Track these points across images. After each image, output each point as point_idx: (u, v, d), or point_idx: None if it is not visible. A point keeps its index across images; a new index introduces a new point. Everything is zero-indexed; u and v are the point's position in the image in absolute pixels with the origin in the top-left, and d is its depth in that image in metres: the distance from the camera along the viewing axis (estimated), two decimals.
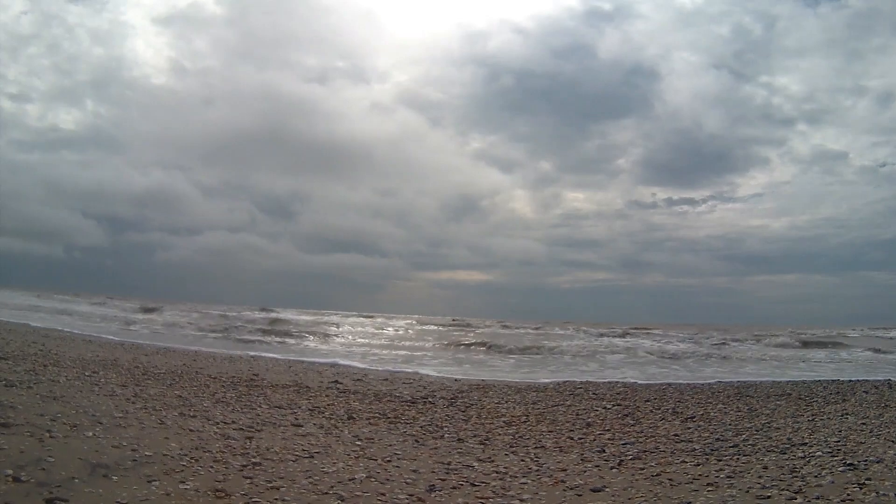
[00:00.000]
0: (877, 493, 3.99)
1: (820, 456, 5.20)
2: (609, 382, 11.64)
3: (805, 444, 5.81)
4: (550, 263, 79.12)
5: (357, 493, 4.11)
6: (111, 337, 16.82)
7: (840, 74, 65.56)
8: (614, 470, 5.11)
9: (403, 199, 77.13)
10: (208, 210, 72.96)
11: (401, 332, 29.18)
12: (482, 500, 4.19)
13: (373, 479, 4.48)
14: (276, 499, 3.84)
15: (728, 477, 4.68)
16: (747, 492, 4.24)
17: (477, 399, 8.93)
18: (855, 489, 4.09)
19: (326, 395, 8.51)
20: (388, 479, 4.52)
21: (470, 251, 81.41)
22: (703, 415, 7.80)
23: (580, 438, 6.44)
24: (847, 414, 7.59)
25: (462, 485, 4.52)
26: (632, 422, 7.39)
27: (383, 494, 4.15)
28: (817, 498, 3.99)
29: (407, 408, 7.96)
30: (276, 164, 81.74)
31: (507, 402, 8.81)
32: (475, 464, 5.22)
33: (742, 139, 69.34)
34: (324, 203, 79.35)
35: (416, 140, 76.55)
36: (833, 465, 4.78)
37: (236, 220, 73.06)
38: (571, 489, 4.52)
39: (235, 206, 76.53)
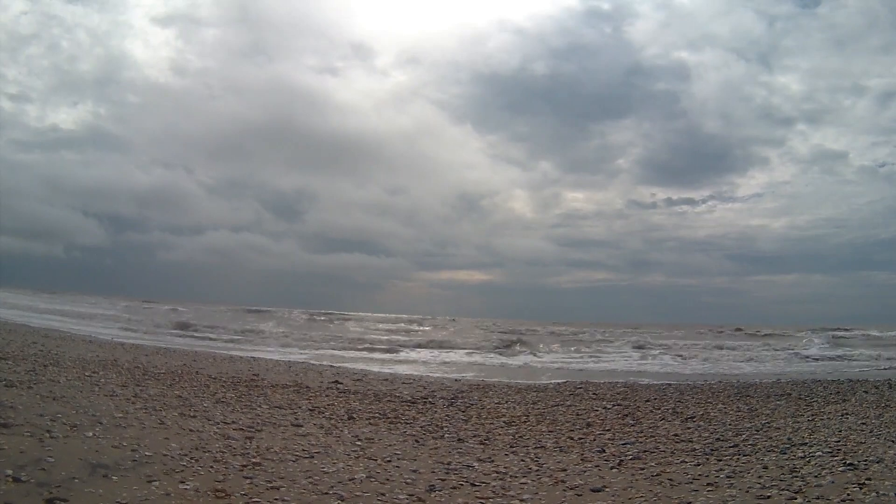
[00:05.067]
0: (877, 493, 3.99)
1: (820, 456, 5.19)
2: (609, 382, 11.64)
3: (805, 444, 5.81)
4: (551, 263, 79.04)
5: (357, 493, 4.11)
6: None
7: (840, 74, 65.47)
8: (614, 470, 5.11)
9: (411, 198, 76.69)
10: (212, 209, 72.58)
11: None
12: (482, 500, 4.19)
13: (373, 479, 4.48)
14: (276, 499, 3.84)
15: (728, 477, 4.68)
16: (747, 492, 4.24)
17: (477, 399, 8.94)
18: (855, 489, 4.09)
19: (326, 396, 8.51)
20: (388, 479, 4.52)
21: (471, 251, 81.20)
22: (703, 415, 7.80)
23: (580, 438, 6.44)
24: (847, 414, 7.58)
25: (462, 485, 4.52)
26: (632, 422, 7.39)
27: (383, 494, 4.15)
28: (817, 498, 3.99)
29: (407, 408, 7.96)
30: (281, 161, 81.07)
31: (507, 402, 8.81)
32: (475, 464, 5.22)
33: (741, 139, 69.23)
34: (330, 201, 78.71)
35: (416, 138, 76.38)
36: (833, 465, 4.78)
37: (240, 219, 72.75)
38: (571, 489, 4.53)
39: (240, 204, 76.13)
